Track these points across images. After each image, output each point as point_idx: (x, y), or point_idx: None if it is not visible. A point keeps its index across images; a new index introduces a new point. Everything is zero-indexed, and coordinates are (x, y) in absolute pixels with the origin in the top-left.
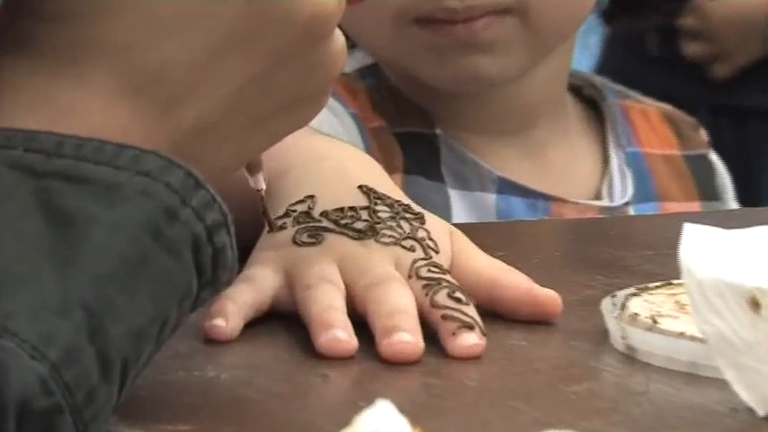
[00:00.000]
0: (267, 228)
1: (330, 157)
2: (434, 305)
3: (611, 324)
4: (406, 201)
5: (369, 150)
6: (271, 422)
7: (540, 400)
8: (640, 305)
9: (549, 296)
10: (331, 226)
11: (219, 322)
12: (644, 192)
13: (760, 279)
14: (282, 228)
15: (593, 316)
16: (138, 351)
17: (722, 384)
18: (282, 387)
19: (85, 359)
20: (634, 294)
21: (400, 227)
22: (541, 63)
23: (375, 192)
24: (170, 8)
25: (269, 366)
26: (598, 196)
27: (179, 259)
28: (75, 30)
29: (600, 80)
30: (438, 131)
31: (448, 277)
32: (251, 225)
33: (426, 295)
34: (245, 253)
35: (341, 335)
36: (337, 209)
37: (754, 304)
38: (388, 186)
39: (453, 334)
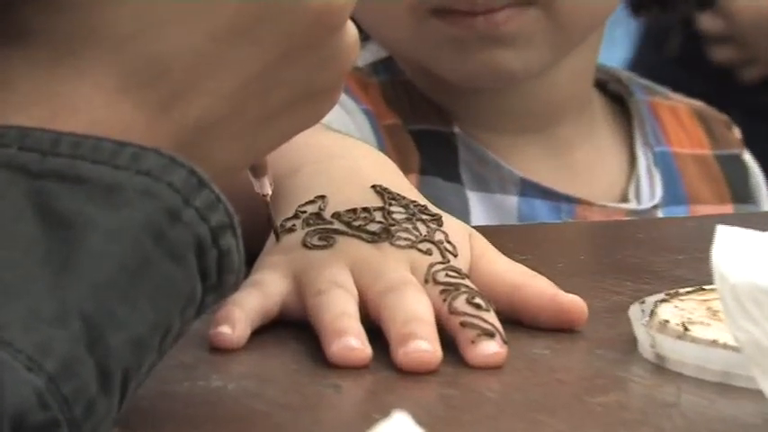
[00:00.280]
0: (274, 237)
1: (342, 155)
2: (453, 311)
3: (640, 332)
4: (423, 201)
5: (382, 149)
6: None
7: (564, 413)
8: (670, 312)
9: (574, 302)
10: (343, 228)
11: (225, 329)
12: (673, 194)
13: None
14: (292, 230)
15: (620, 323)
16: (139, 361)
17: (757, 395)
18: (292, 398)
19: (84, 371)
20: (664, 300)
21: (416, 229)
22: (566, 58)
23: (390, 192)
24: None
25: (278, 376)
26: (625, 198)
27: (182, 264)
28: (74, 19)
29: (626, 74)
30: (456, 130)
31: (467, 282)
32: (259, 227)
33: (444, 301)
34: (252, 257)
35: (354, 343)
36: (350, 210)
37: None
38: (404, 186)
39: (473, 342)
